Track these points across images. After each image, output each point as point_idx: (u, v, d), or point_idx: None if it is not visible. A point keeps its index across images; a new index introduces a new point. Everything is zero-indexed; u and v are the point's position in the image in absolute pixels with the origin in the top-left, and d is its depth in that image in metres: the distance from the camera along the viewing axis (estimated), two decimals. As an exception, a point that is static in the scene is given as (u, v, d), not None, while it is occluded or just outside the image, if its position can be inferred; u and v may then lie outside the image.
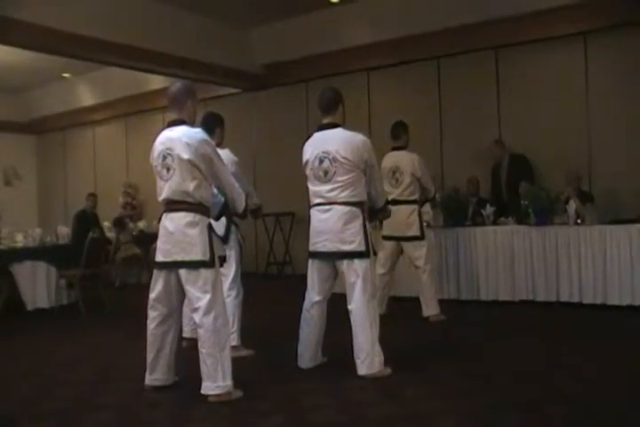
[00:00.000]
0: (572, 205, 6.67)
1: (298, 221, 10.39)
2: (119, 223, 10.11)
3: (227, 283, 4.81)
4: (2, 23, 7.44)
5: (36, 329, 6.50)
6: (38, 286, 7.25)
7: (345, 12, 9.44)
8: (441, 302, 6.98)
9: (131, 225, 10.62)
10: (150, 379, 3.98)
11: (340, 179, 4.19)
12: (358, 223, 4.20)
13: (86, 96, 13.33)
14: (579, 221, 6.61)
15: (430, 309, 6.14)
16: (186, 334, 5.04)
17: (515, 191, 7.58)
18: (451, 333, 5.63)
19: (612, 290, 6.27)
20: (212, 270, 3.78)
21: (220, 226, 4.70)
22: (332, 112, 4.35)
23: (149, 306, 3.96)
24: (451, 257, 7.18)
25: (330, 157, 4.19)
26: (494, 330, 5.71)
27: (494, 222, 7.20)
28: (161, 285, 3.92)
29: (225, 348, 3.76)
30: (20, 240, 7.64)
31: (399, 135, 6.22)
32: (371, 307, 4.16)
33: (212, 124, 4.95)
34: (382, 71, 9.68)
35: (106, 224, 10.17)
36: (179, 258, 3.78)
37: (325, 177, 4.24)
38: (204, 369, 3.72)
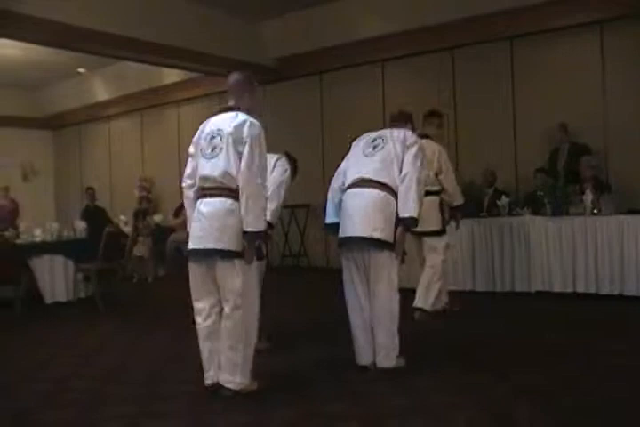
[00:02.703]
0: (589, 196, 6.62)
1: (313, 213, 10.41)
2: (140, 215, 10.17)
3: None
4: (16, 19, 7.50)
5: (55, 322, 6.56)
6: (56, 279, 7.32)
7: (358, 4, 9.41)
8: (456, 293, 7.00)
9: (147, 218, 10.69)
10: (209, 376, 3.75)
11: (384, 153, 4.15)
12: (390, 211, 4.05)
13: (101, 91, 13.40)
14: (595, 211, 6.57)
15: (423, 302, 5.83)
16: None
17: (572, 179, 7.41)
18: (465, 324, 5.60)
19: (629, 281, 6.24)
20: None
21: None
22: (401, 122, 4.57)
23: (193, 298, 3.78)
24: (466, 248, 7.17)
25: (383, 136, 4.26)
26: (509, 322, 5.69)
27: (510, 213, 7.17)
28: (196, 273, 3.74)
29: (250, 344, 3.70)
30: (38, 234, 7.71)
31: (431, 122, 6.13)
32: (394, 299, 4.09)
33: None
34: (396, 62, 9.64)
35: (122, 218, 10.24)
36: (211, 246, 3.60)
37: (373, 150, 4.20)
38: (224, 361, 3.65)
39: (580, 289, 6.50)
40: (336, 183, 4.41)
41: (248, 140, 3.59)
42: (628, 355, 4.38)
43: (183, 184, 3.88)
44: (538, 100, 8.38)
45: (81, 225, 8.31)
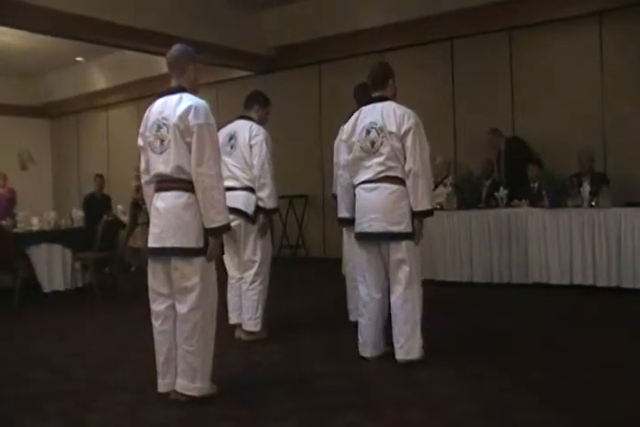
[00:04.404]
0: (586, 188, 6.63)
1: (311, 203, 10.42)
2: (136, 206, 10.16)
3: (254, 268, 4.82)
4: (14, 7, 7.46)
5: (53, 311, 6.58)
6: (54, 268, 7.33)
7: (357, -6, 9.39)
8: (454, 284, 7.02)
9: (144, 208, 10.66)
10: (165, 384, 3.50)
11: (386, 150, 3.96)
12: (406, 203, 3.98)
13: (99, 80, 13.35)
14: (593, 203, 6.57)
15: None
16: (232, 321, 4.95)
17: (516, 174, 7.58)
18: (464, 316, 5.62)
19: (626, 273, 6.25)
20: (204, 259, 3.39)
21: (249, 204, 4.68)
22: (381, 87, 4.21)
23: (151, 299, 3.54)
24: (464, 240, 7.17)
25: (377, 126, 4.01)
26: (507, 314, 5.70)
27: (507, 205, 7.18)
28: (156, 272, 3.49)
29: (209, 346, 3.45)
30: (35, 223, 7.71)
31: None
32: (415, 290, 4.03)
33: (249, 100, 5.03)
34: (395, 53, 9.59)
35: (119, 207, 10.22)
36: (169, 244, 3.36)
37: (372, 148, 4.01)
38: (182, 366, 3.40)
39: (578, 281, 6.50)
40: (344, 179, 4.33)
41: (195, 128, 3.31)
42: (627, 348, 4.38)
43: (142, 181, 3.66)
44: (536, 90, 8.37)
45: (78, 214, 8.30)
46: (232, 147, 4.77)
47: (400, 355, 4.01)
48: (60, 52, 11.56)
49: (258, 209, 4.75)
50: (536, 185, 7.25)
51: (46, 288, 7.25)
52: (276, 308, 5.72)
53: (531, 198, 7.06)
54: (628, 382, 3.60)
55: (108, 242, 7.31)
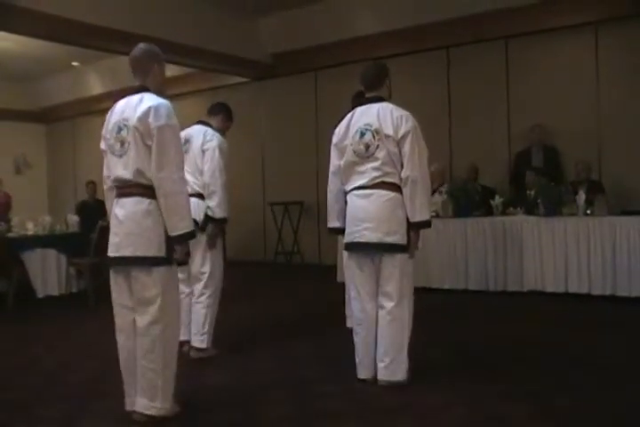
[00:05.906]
0: (582, 196, 6.64)
1: (306, 210, 10.41)
2: None
3: (202, 281, 4.60)
4: (10, 12, 7.45)
5: (47, 316, 6.55)
6: (48, 273, 7.31)
7: (354, 1, 9.41)
8: (449, 292, 7.02)
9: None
10: (129, 402, 3.31)
11: (382, 154, 3.72)
12: (402, 212, 3.73)
13: (95, 85, 13.34)
14: (588, 212, 6.59)
15: None
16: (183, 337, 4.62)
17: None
18: (458, 324, 5.62)
19: (621, 281, 6.26)
20: (166, 269, 3.20)
21: (198, 211, 4.41)
22: (376, 88, 3.95)
23: (115, 313, 3.31)
24: (459, 247, 7.17)
25: (372, 129, 3.76)
26: (501, 321, 5.70)
27: (503, 213, 7.19)
28: (118, 283, 3.29)
29: (170, 363, 3.24)
30: (30, 228, 7.68)
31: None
32: (406, 307, 3.78)
33: (216, 107, 4.90)
34: (392, 61, 9.49)
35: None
36: (128, 253, 3.18)
37: (367, 152, 3.75)
38: (142, 384, 3.20)
39: (573, 289, 6.51)
40: (334, 186, 4.04)
41: (155, 131, 3.12)
42: (623, 356, 4.38)
43: (104, 186, 3.46)
44: (532, 99, 8.40)
45: (74, 219, 8.28)
46: (186, 151, 4.44)
47: (383, 376, 3.77)
48: (56, 57, 11.55)
49: (207, 218, 4.53)
50: (532, 192, 7.25)
51: (40, 293, 7.22)
52: (271, 313, 5.71)
53: (526, 206, 7.07)
54: (629, 389, 3.59)
55: (103, 248, 7.28)
